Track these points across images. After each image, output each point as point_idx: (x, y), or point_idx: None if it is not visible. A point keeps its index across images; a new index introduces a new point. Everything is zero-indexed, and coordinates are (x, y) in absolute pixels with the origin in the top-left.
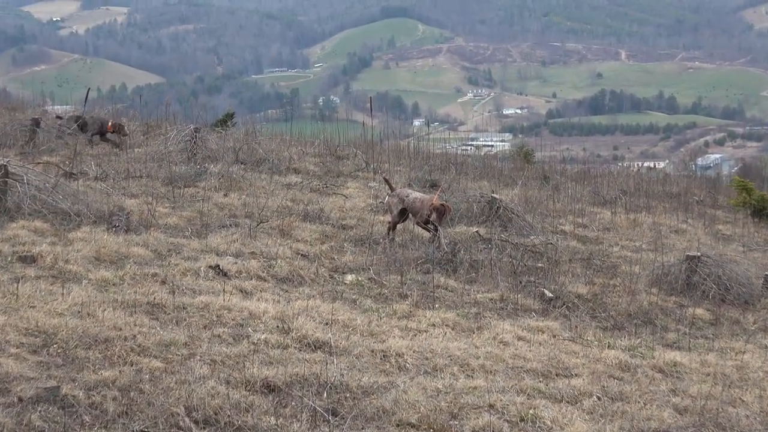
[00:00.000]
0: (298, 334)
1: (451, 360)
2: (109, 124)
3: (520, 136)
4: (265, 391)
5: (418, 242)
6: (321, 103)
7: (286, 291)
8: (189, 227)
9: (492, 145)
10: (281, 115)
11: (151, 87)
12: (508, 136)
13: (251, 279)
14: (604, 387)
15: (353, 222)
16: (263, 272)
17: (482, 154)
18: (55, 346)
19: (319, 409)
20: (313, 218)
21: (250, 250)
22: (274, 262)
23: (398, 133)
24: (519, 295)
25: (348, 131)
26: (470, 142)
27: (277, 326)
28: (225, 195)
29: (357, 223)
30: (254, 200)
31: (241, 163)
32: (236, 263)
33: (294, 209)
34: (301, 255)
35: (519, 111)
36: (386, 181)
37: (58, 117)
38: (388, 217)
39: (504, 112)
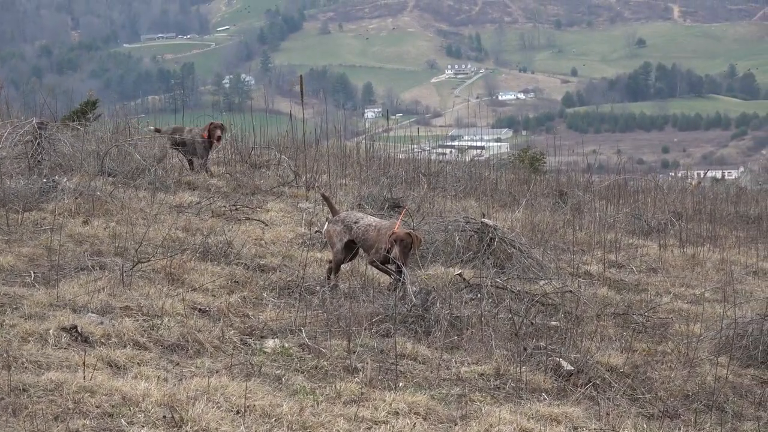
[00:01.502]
0: (195, 428)
1: None
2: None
3: (523, 132)
4: None
5: (374, 290)
6: (227, 85)
7: (177, 364)
8: (31, 270)
9: (482, 147)
10: (168, 102)
11: None
12: (506, 132)
13: (125, 347)
14: None
15: (276, 261)
16: (142, 336)
17: (468, 159)
18: None
19: None
20: (217, 256)
21: (123, 303)
22: (159, 322)
23: (343, 129)
24: (523, 368)
25: (268, 126)
26: (450, 142)
27: (164, 416)
28: (85, 222)
29: (282, 262)
30: (129, 230)
31: (109, 175)
32: (102, 324)
33: (188, 243)
34: (200, 310)
35: (522, 96)
36: (326, 200)
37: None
38: (329, 254)
39: (500, 98)
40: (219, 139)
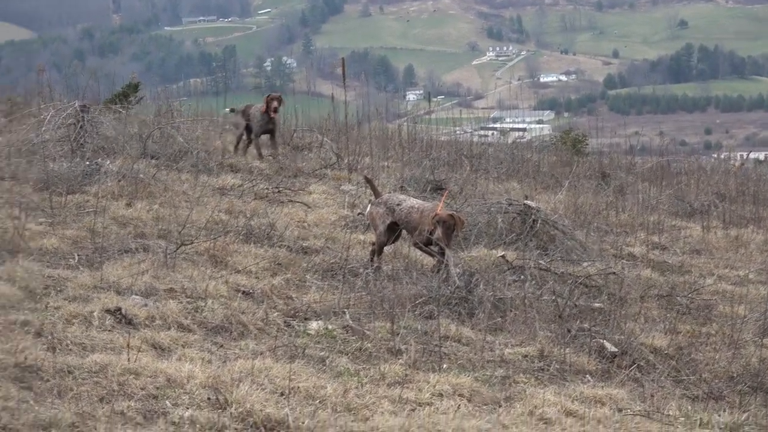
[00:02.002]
0: (240, 410)
1: None
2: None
3: (565, 114)
4: None
5: (417, 272)
6: (269, 68)
7: (221, 346)
8: (75, 253)
9: (524, 129)
10: (210, 85)
11: (14, 45)
12: (547, 114)
13: (169, 329)
14: None
15: (319, 243)
16: (186, 319)
17: (510, 141)
18: None
19: None
20: (260, 238)
21: (167, 285)
22: (203, 304)
23: (385, 111)
24: (567, 350)
25: (310, 109)
26: (492, 125)
27: (209, 398)
28: (128, 205)
29: (325, 244)
30: (172, 212)
31: (152, 158)
32: (146, 306)
33: (231, 225)
34: (243, 293)
35: (564, 78)
36: (368, 182)
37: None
38: (372, 236)
39: (541, 80)
40: (276, 110)
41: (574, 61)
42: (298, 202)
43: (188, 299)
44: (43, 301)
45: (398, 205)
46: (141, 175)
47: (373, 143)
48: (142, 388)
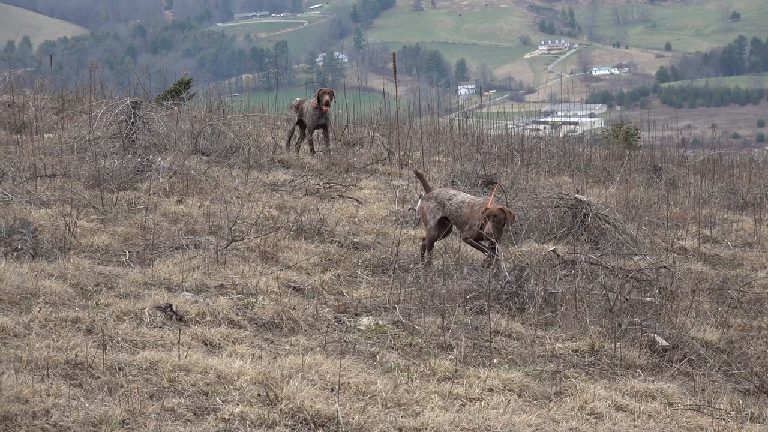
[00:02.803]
0: (290, 406)
1: None
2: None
3: (617, 108)
4: None
5: (467, 267)
6: (321, 63)
7: (272, 342)
8: (126, 249)
9: (576, 123)
10: (262, 81)
11: (67, 42)
12: (599, 108)
13: (219, 325)
14: None
15: (369, 239)
16: (237, 315)
17: (562, 135)
18: None
19: None
20: (311, 234)
21: (218, 282)
22: (254, 300)
23: (436, 106)
24: (617, 345)
25: (361, 104)
26: (544, 119)
27: (259, 394)
28: (179, 201)
29: (375, 240)
30: (223, 209)
31: (203, 154)
32: (197, 302)
33: (282, 221)
34: (294, 289)
35: (616, 71)
36: (419, 177)
37: None
38: (423, 231)
39: (593, 73)
40: (327, 104)
41: (626, 55)
42: (349, 197)
43: (239, 295)
44: (94, 298)
45: (449, 199)
46: (192, 172)
47: (424, 138)
48: (192, 385)
